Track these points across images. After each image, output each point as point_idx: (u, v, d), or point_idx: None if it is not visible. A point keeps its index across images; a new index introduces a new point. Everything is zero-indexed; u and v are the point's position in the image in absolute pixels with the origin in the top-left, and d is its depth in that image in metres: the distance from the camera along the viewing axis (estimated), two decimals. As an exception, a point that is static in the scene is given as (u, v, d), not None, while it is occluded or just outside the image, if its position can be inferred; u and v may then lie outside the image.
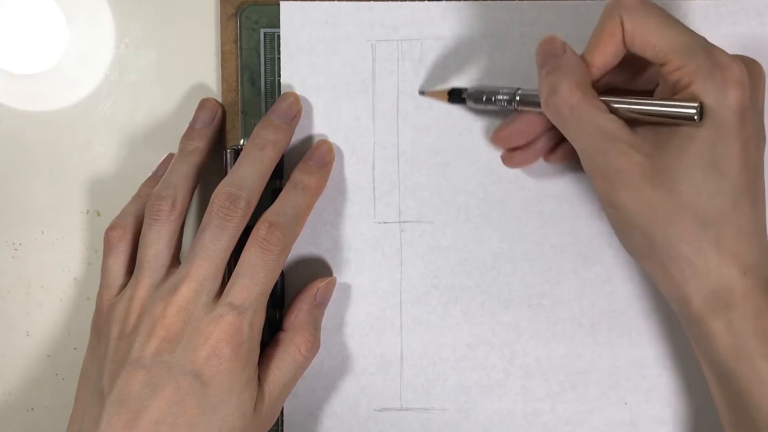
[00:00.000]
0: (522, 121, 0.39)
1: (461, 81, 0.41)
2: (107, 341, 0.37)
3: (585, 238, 0.41)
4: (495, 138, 0.40)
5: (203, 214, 0.37)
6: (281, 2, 0.41)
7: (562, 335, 0.41)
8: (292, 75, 0.41)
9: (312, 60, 0.41)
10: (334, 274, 0.42)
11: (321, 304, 0.40)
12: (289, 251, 0.38)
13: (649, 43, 0.34)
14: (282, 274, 0.41)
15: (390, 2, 0.41)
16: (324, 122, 0.42)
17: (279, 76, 0.42)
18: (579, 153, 0.36)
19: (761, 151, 0.35)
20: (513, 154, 0.40)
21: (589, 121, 0.35)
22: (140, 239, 0.38)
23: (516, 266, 0.42)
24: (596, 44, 0.36)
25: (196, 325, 0.36)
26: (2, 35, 0.43)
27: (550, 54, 0.36)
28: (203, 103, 0.42)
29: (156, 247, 0.37)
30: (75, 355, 0.43)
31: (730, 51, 0.38)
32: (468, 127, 0.41)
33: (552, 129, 0.38)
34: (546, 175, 0.41)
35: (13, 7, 0.43)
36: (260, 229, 0.37)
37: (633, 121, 0.35)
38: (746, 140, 0.33)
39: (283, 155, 0.40)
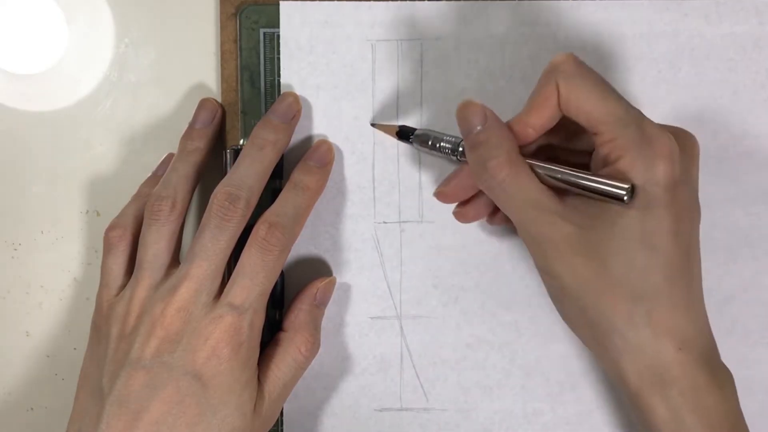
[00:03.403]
0: (464, 175, 0.38)
1: (461, 81, 0.41)
2: (107, 341, 0.37)
3: (585, 238, 0.41)
4: (438, 194, 0.39)
5: (203, 214, 0.37)
6: (281, 2, 0.41)
7: (562, 335, 0.41)
8: (292, 75, 0.41)
9: (312, 60, 0.41)
10: (334, 274, 0.42)
11: (321, 304, 0.40)
12: (289, 251, 0.38)
13: (582, 110, 0.34)
14: (282, 274, 0.41)
15: (390, 2, 0.41)
16: (324, 122, 0.42)
17: (279, 76, 0.42)
18: (513, 221, 0.36)
19: (695, 224, 0.34)
20: (464, 210, 0.40)
21: (518, 194, 0.35)
22: (140, 239, 0.38)
23: (516, 266, 0.42)
24: (532, 106, 0.35)
25: (196, 325, 0.36)
26: (2, 35, 0.43)
27: (472, 122, 0.36)
28: (203, 103, 0.42)
29: (156, 247, 0.37)
30: (75, 355, 0.43)
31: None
32: (468, 127, 0.41)
33: None
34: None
35: (13, 7, 0.43)
36: (260, 229, 0.37)
37: (564, 191, 0.35)
38: (677, 215, 0.33)
39: (283, 155, 0.40)
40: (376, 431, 0.42)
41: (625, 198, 0.33)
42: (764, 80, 0.41)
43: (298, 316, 0.39)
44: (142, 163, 0.42)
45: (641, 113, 0.34)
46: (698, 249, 0.35)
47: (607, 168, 0.34)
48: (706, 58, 0.41)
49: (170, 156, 0.42)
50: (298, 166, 0.40)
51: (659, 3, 0.41)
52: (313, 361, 0.40)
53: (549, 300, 0.41)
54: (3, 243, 0.43)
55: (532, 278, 0.41)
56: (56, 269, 0.43)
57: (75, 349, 0.43)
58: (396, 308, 0.42)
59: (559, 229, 0.34)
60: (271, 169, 0.39)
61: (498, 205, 0.36)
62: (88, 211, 0.43)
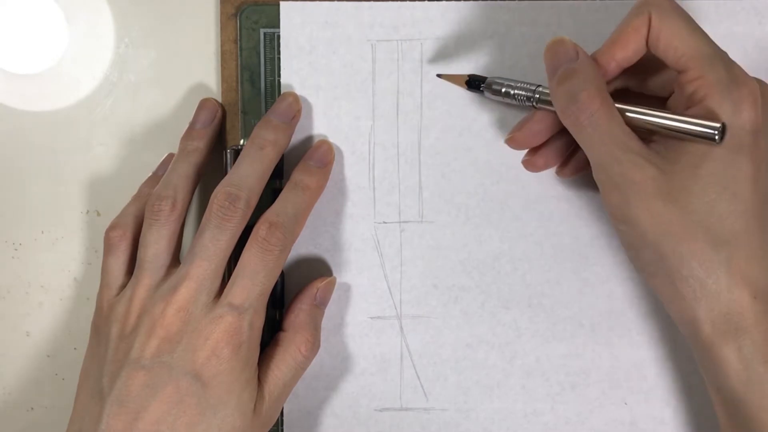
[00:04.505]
0: (537, 121, 0.38)
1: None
2: (107, 341, 0.37)
3: (585, 238, 0.41)
4: (509, 140, 0.39)
5: (203, 214, 0.37)
6: (281, 2, 0.41)
7: (562, 335, 0.41)
8: (292, 75, 0.41)
9: (312, 60, 0.41)
10: (334, 274, 0.42)
11: (321, 304, 0.40)
12: (289, 251, 0.38)
13: (672, 46, 0.34)
14: (282, 274, 0.41)
15: (390, 2, 0.41)
16: (324, 122, 0.42)
17: (279, 76, 0.42)
18: (592, 163, 0.35)
19: None
20: (534, 158, 0.39)
21: (606, 131, 0.34)
22: (140, 239, 0.38)
23: (516, 266, 0.42)
24: (619, 39, 0.35)
25: (196, 325, 0.36)
26: (2, 35, 0.43)
27: (563, 58, 0.35)
28: (203, 103, 0.42)
29: (156, 247, 0.37)
30: (75, 355, 0.43)
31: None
32: (468, 127, 0.41)
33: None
34: (546, 175, 0.41)
35: (13, 7, 0.43)
36: (260, 229, 0.37)
37: (646, 134, 0.35)
38: (758, 162, 0.33)
39: (283, 155, 0.40)
40: (376, 431, 0.42)
41: (716, 137, 0.33)
42: (764, 80, 0.41)
43: (298, 316, 0.39)
44: (142, 163, 0.42)
45: (729, 56, 0.34)
46: None
47: (693, 108, 0.34)
48: (706, 58, 0.41)
49: (170, 156, 0.42)
50: (299, 166, 0.40)
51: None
52: (313, 361, 0.40)
53: (549, 300, 0.41)
54: (3, 243, 0.43)
55: (532, 278, 0.41)
56: (56, 269, 0.43)
57: (75, 349, 0.43)
58: (396, 308, 0.42)
59: (643, 172, 0.33)
60: (272, 169, 0.39)
61: (580, 143, 0.35)
62: (88, 211, 0.43)
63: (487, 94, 0.40)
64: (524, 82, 0.38)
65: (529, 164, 0.40)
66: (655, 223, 0.33)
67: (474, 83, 0.40)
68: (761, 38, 0.41)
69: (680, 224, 0.33)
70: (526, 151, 0.40)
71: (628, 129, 0.34)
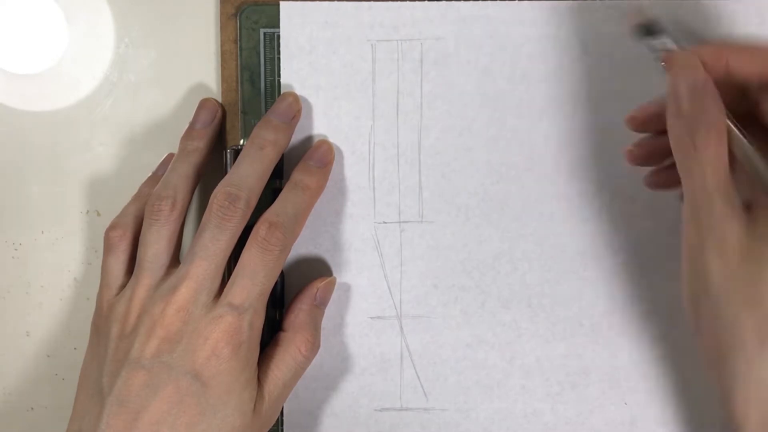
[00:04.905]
0: (658, 105, 0.36)
1: (462, 82, 0.41)
2: (107, 341, 0.37)
3: (585, 238, 0.41)
4: (629, 119, 0.38)
5: (203, 214, 0.37)
6: (281, 2, 0.41)
7: (562, 335, 0.41)
8: (292, 75, 0.41)
9: (312, 60, 0.41)
10: (334, 274, 0.42)
11: (321, 304, 0.40)
12: (289, 251, 0.38)
13: None
14: (282, 274, 0.41)
15: (390, 2, 0.41)
16: (324, 122, 0.42)
17: (279, 76, 0.42)
18: (685, 200, 0.34)
19: None
20: (636, 149, 0.38)
21: (713, 174, 0.32)
22: (140, 239, 0.38)
23: (516, 266, 0.42)
24: (745, 48, 0.33)
25: (196, 325, 0.36)
26: (2, 35, 0.43)
27: (689, 86, 0.33)
28: (203, 103, 0.42)
29: (156, 247, 0.37)
30: (75, 355, 0.43)
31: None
32: (468, 127, 0.41)
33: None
34: (546, 175, 0.41)
35: (13, 7, 0.43)
36: (260, 229, 0.37)
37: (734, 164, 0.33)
38: None
39: (283, 155, 0.40)
40: (376, 431, 0.42)
41: None
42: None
43: (298, 316, 0.39)
44: (142, 163, 0.42)
45: None
46: None
47: None
48: (706, 58, 0.41)
49: (170, 156, 0.42)
50: (298, 166, 0.40)
51: (659, 3, 0.41)
52: (313, 361, 0.40)
53: (549, 300, 0.41)
54: (3, 243, 0.43)
55: (532, 278, 0.41)
56: (56, 269, 0.43)
57: (75, 349, 0.43)
58: (396, 308, 0.42)
59: (730, 226, 0.31)
60: (271, 169, 0.39)
61: (680, 173, 0.33)
62: (88, 211, 0.43)
63: (648, 42, 0.36)
64: (677, 42, 0.35)
65: (630, 155, 0.39)
66: (724, 281, 0.31)
67: (650, 30, 0.36)
68: (761, 38, 0.41)
69: (748, 290, 0.31)
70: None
71: (731, 180, 0.32)
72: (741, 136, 0.33)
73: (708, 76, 0.33)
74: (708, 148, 0.32)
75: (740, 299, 0.31)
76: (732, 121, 0.33)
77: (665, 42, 0.36)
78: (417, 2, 0.41)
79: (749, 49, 0.33)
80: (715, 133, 0.32)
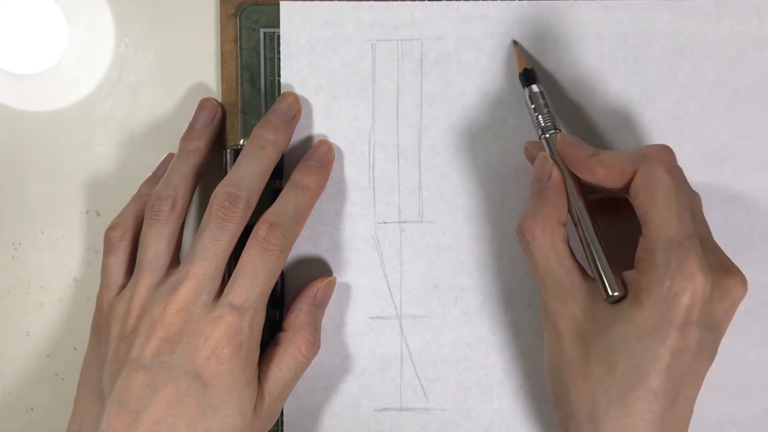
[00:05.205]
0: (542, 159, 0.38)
1: (462, 81, 0.41)
2: (107, 341, 0.37)
3: (585, 238, 0.41)
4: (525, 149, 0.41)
5: (203, 214, 0.37)
6: (281, 2, 0.41)
7: (562, 335, 0.41)
8: (292, 75, 0.41)
9: (312, 60, 0.41)
10: (334, 274, 0.42)
11: (321, 304, 0.40)
12: (290, 251, 0.38)
13: (644, 210, 0.34)
14: (282, 274, 0.41)
15: (390, 2, 0.41)
16: (324, 122, 0.42)
17: (279, 76, 0.42)
18: (532, 275, 0.37)
19: (697, 365, 0.34)
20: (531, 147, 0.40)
21: (543, 259, 0.36)
22: (140, 239, 0.38)
23: (516, 266, 0.42)
24: (605, 165, 0.35)
25: (196, 325, 0.36)
26: (2, 35, 0.43)
27: (540, 174, 0.37)
28: (203, 103, 0.42)
29: (156, 247, 0.37)
30: (75, 355, 0.43)
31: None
32: (468, 127, 0.41)
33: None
34: (546, 175, 0.41)
35: (13, 7, 0.43)
36: (260, 230, 0.37)
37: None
38: (677, 354, 0.33)
39: (283, 155, 0.40)
40: (376, 431, 0.42)
41: (606, 298, 0.34)
42: (764, 80, 0.41)
43: (298, 316, 0.39)
44: (142, 163, 0.42)
45: (695, 238, 0.33)
46: (693, 393, 0.34)
47: (640, 260, 0.34)
48: (706, 58, 0.41)
49: (170, 156, 0.42)
50: (299, 166, 0.40)
51: (659, 3, 0.41)
52: (313, 361, 0.40)
53: (549, 300, 0.41)
54: (3, 243, 0.43)
55: (532, 278, 0.41)
56: (56, 269, 0.43)
57: (75, 349, 0.43)
58: (396, 308, 0.42)
59: (568, 308, 0.35)
60: (272, 169, 0.39)
61: (524, 252, 0.37)
62: (88, 211, 0.43)
63: (526, 95, 0.39)
64: (550, 117, 0.38)
65: (525, 151, 0.41)
66: (563, 356, 0.35)
67: (529, 77, 0.39)
68: (761, 38, 0.41)
69: (583, 367, 0.34)
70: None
71: (568, 261, 0.35)
72: (585, 221, 0.36)
73: (555, 167, 0.37)
74: (542, 230, 0.36)
75: (574, 374, 0.35)
76: (578, 208, 0.36)
77: (539, 93, 0.39)
78: (417, 2, 0.41)
79: (608, 160, 0.36)
80: (552, 218, 0.36)
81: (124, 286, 0.38)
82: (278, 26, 0.41)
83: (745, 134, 0.41)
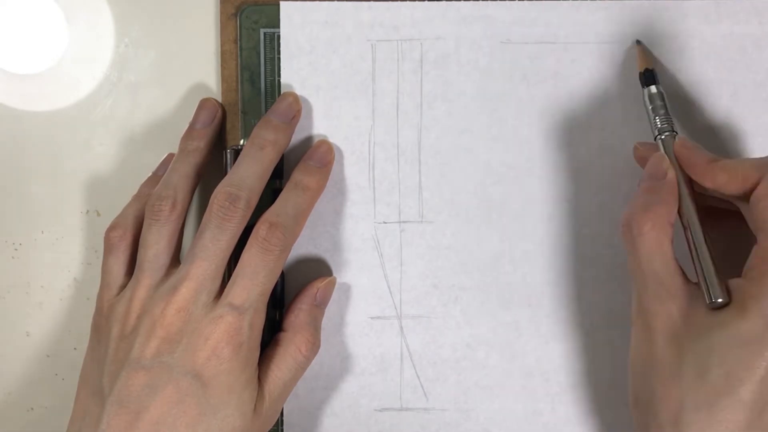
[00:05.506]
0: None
1: (462, 82, 0.41)
2: (107, 341, 0.37)
3: (585, 238, 0.41)
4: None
5: (203, 214, 0.37)
6: (281, 2, 0.41)
7: (562, 335, 0.41)
8: (292, 75, 0.41)
9: (312, 60, 0.41)
10: (334, 274, 0.42)
11: (321, 304, 0.40)
12: (290, 251, 0.38)
13: (764, 219, 0.33)
14: (282, 274, 0.41)
15: (390, 2, 0.41)
16: (324, 122, 0.42)
17: (279, 76, 0.42)
18: (630, 270, 0.36)
19: None
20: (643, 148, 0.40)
21: (647, 256, 0.35)
22: (140, 239, 0.38)
23: (516, 266, 0.42)
24: (727, 171, 0.35)
25: (196, 325, 0.36)
26: (2, 35, 0.43)
27: (654, 172, 0.36)
28: (203, 103, 0.42)
29: (156, 247, 0.37)
30: (75, 355, 0.43)
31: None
32: (468, 127, 0.41)
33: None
34: (546, 175, 0.41)
35: (13, 7, 0.43)
36: (260, 230, 0.37)
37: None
38: None
39: (283, 155, 0.40)
40: (376, 431, 0.42)
41: (709, 303, 0.34)
42: (764, 80, 0.41)
43: (298, 316, 0.39)
44: (142, 163, 0.42)
45: None
46: None
47: (742, 278, 0.34)
48: (706, 58, 0.41)
49: (170, 156, 0.42)
50: (299, 166, 0.40)
51: (659, 3, 0.41)
52: (313, 361, 0.40)
53: (549, 300, 0.41)
54: (3, 243, 0.43)
55: (532, 278, 0.41)
56: (56, 269, 0.43)
57: (75, 349, 0.43)
58: (396, 308, 0.42)
59: (665, 308, 0.34)
60: (272, 169, 0.39)
61: (627, 248, 0.36)
62: (88, 211, 0.43)
63: (646, 94, 0.39)
64: (667, 119, 0.38)
65: (635, 151, 0.40)
66: (652, 358, 0.34)
67: (649, 77, 0.39)
68: (761, 38, 0.41)
69: (670, 368, 0.34)
70: None
71: (672, 263, 0.35)
72: (694, 226, 0.36)
73: (671, 168, 0.36)
74: (645, 224, 0.35)
75: (660, 375, 0.34)
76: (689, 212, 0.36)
77: (660, 95, 0.38)
78: (417, 2, 0.41)
79: (731, 166, 0.35)
80: (664, 216, 0.35)
81: (124, 286, 0.38)
82: (278, 26, 0.41)
83: (745, 134, 0.41)
